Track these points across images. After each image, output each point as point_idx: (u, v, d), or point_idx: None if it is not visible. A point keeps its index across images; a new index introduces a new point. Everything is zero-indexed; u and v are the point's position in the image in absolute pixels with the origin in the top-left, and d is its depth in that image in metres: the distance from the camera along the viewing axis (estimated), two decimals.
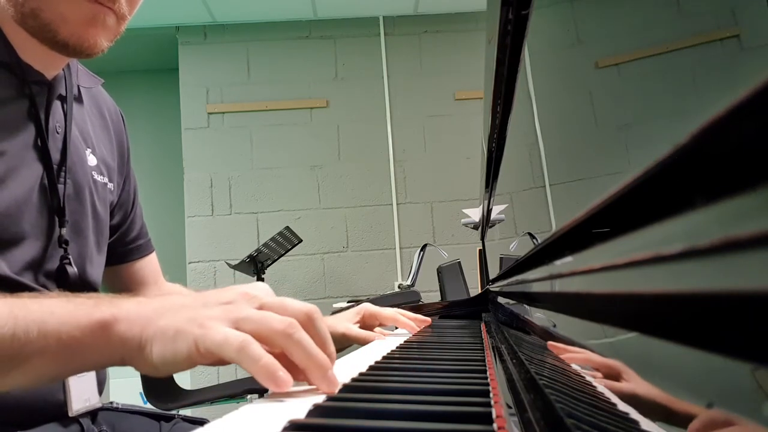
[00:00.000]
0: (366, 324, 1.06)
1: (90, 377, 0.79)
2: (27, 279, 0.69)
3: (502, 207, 1.11)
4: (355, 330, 1.01)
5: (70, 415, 0.74)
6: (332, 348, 0.49)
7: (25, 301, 0.50)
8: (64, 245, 0.74)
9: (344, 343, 0.99)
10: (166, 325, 0.47)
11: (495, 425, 0.34)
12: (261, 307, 0.48)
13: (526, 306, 0.67)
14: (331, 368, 0.46)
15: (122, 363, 0.49)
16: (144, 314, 0.49)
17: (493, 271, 1.46)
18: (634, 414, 0.22)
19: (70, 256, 0.74)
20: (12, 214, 0.67)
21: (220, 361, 0.46)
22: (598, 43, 0.35)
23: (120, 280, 0.96)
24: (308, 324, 0.48)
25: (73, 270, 0.74)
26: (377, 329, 1.06)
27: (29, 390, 0.69)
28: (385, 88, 3.55)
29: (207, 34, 3.54)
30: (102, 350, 0.49)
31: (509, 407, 0.40)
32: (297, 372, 0.46)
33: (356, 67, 3.57)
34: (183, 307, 0.48)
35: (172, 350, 0.46)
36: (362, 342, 0.98)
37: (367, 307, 1.07)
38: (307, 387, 0.47)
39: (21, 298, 0.51)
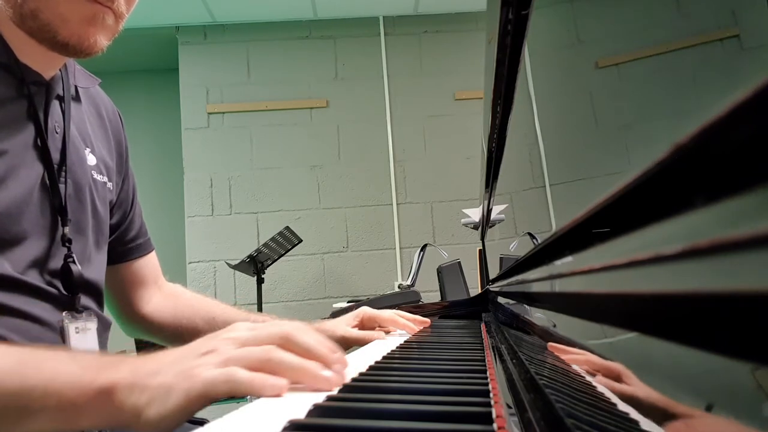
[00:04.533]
0: (365, 327, 1.06)
1: None
2: (31, 278, 0.69)
3: (502, 207, 1.11)
4: (355, 332, 1.01)
5: None
6: (321, 355, 0.50)
7: (38, 357, 0.52)
8: (67, 244, 0.74)
9: (344, 346, 0.99)
10: (159, 384, 0.49)
11: (495, 425, 0.34)
12: (241, 345, 0.51)
13: (526, 306, 0.67)
14: (321, 368, 0.48)
15: (123, 426, 0.51)
16: (140, 378, 0.50)
17: (493, 271, 1.46)
18: (634, 414, 0.22)
19: (74, 255, 0.75)
20: (13, 214, 0.67)
21: (217, 398, 0.48)
22: (598, 43, 0.35)
23: (120, 279, 0.96)
24: (286, 344, 0.50)
25: (77, 268, 0.74)
26: (377, 329, 1.06)
27: None
28: (385, 88, 3.55)
29: (207, 34, 3.54)
30: (101, 416, 0.51)
31: (509, 407, 0.40)
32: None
33: (356, 67, 3.57)
34: (173, 363, 0.50)
35: (167, 409, 0.48)
36: (362, 343, 0.98)
37: (366, 310, 1.07)
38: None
39: (34, 353, 0.53)
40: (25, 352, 0.53)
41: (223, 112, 3.49)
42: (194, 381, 0.47)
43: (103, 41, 0.70)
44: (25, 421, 0.50)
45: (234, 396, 0.47)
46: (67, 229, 0.74)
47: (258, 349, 0.49)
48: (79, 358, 0.54)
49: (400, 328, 1.06)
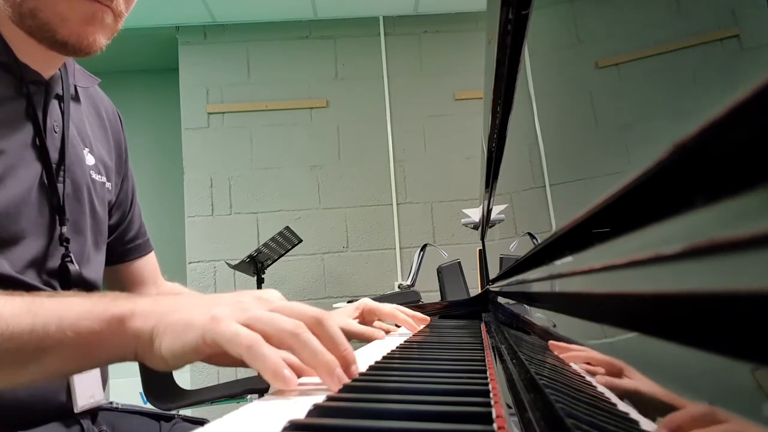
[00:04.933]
0: (365, 319, 1.06)
1: (94, 374, 0.79)
2: (29, 278, 0.69)
3: (502, 207, 1.11)
4: (355, 325, 1.01)
5: (75, 411, 0.74)
6: (345, 348, 0.50)
7: (43, 299, 0.52)
8: (65, 243, 0.74)
9: None
10: (178, 319, 0.49)
11: (495, 425, 0.34)
12: (272, 310, 0.50)
13: (526, 306, 0.67)
14: (338, 367, 0.47)
15: (135, 358, 0.51)
16: (158, 310, 0.50)
17: (493, 271, 1.46)
18: (634, 414, 0.22)
19: (71, 254, 0.75)
20: (11, 214, 0.67)
21: (224, 354, 0.47)
22: (598, 43, 0.35)
23: (119, 279, 0.96)
24: (316, 327, 0.49)
25: (74, 268, 0.74)
26: (376, 323, 1.06)
27: (31, 390, 0.69)
28: (385, 88, 3.55)
29: (207, 34, 3.54)
30: (117, 344, 0.51)
31: (509, 407, 0.40)
32: (307, 370, 0.49)
33: (356, 67, 3.57)
34: (195, 305, 0.50)
35: (181, 342, 0.48)
36: (362, 337, 0.98)
37: (367, 302, 1.07)
38: (318, 381, 0.48)
39: (39, 296, 0.53)
40: (36, 296, 0.53)
41: (223, 112, 3.49)
42: (215, 326, 0.46)
43: (102, 40, 0.70)
44: (43, 359, 0.50)
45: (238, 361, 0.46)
46: (64, 229, 0.74)
47: (289, 321, 0.48)
48: (92, 295, 0.54)
49: (399, 323, 1.06)
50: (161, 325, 0.49)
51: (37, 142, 0.72)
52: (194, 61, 3.52)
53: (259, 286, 2.84)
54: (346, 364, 0.49)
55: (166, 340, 0.48)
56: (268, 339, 0.47)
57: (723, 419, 0.15)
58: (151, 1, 3.17)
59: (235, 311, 0.48)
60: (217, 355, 0.48)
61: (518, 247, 0.83)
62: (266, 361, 0.44)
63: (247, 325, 0.47)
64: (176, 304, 0.51)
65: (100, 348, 0.51)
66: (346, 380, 0.47)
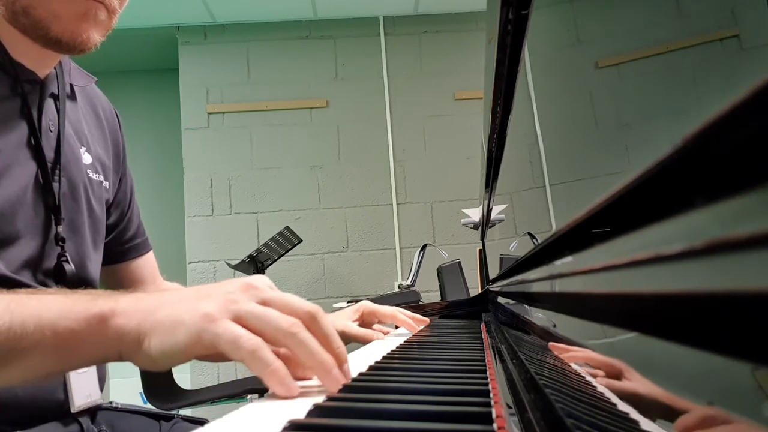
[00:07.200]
0: (365, 321, 1.06)
1: (91, 373, 0.79)
2: (25, 278, 0.69)
3: (502, 207, 1.11)
4: (354, 328, 1.01)
5: (72, 411, 0.74)
6: (339, 345, 0.49)
7: (22, 297, 0.50)
8: (60, 243, 0.74)
9: (343, 341, 0.99)
10: (165, 317, 0.47)
11: (495, 425, 0.34)
12: (263, 302, 0.48)
13: (526, 306, 0.67)
14: (335, 367, 0.46)
15: (119, 358, 0.49)
16: (142, 308, 0.48)
17: (493, 271, 1.46)
18: (634, 414, 0.22)
19: (67, 254, 0.74)
20: (6, 214, 0.67)
21: (218, 355, 0.46)
22: (598, 43, 0.35)
23: (117, 279, 0.96)
24: (312, 323, 0.48)
25: (70, 267, 0.74)
26: (376, 326, 1.06)
27: (29, 389, 0.69)
28: (385, 88, 3.55)
29: (207, 34, 3.54)
30: (99, 344, 0.49)
31: (509, 407, 0.40)
32: (303, 368, 0.48)
33: (356, 67, 3.57)
34: (181, 300, 0.48)
35: (171, 341, 0.46)
36: (361, 340, 0.98)
37: (366, 304, 1.07)
38: (316, 384, 0.47)
39: (18, 294, 0.51)
40: (16, 293, 0.51)
41: (223, 112, 3.49)
42: (212, 326, 0.44)
43: (96, 37, 0.70)
44: (23, 359, 0.48)
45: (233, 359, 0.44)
46: (60, 228, 0.74)
47: (285, 318, 0.46)
48: (71, 293, 0.52)
49: (399, 324, 1.06)
50: (147, 323, 0.47)
51: (32, 142, 0.72)
52: (194, 61, 3.52)
53: None
54: (339, 363, 0.48)
55: (155, 339, 0.46)
56: (263, 336, 0.46)
57: (723, 420, 0.15)
58: (151, 1, 3.17)
59: (225, 304, 0.46)
60: (209, 354, 0.46)
61: (518, 247, 0.83)
62: (268, 367, 0.43)
63: (239, 321, 0.45)
64: (160, 301, 0.48)
65: (81, 348, 0.49)
66: (343, 380, 0.47)
